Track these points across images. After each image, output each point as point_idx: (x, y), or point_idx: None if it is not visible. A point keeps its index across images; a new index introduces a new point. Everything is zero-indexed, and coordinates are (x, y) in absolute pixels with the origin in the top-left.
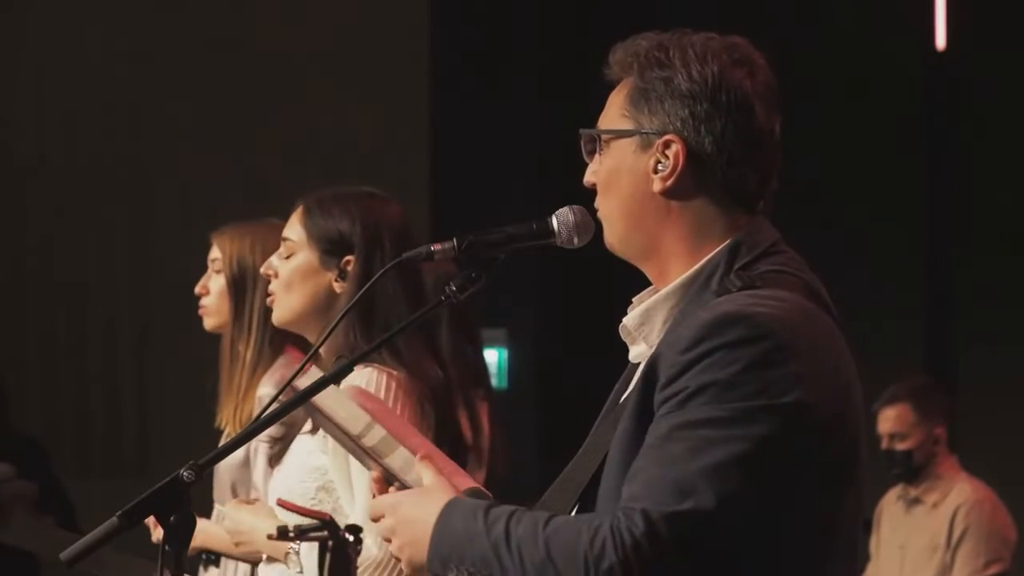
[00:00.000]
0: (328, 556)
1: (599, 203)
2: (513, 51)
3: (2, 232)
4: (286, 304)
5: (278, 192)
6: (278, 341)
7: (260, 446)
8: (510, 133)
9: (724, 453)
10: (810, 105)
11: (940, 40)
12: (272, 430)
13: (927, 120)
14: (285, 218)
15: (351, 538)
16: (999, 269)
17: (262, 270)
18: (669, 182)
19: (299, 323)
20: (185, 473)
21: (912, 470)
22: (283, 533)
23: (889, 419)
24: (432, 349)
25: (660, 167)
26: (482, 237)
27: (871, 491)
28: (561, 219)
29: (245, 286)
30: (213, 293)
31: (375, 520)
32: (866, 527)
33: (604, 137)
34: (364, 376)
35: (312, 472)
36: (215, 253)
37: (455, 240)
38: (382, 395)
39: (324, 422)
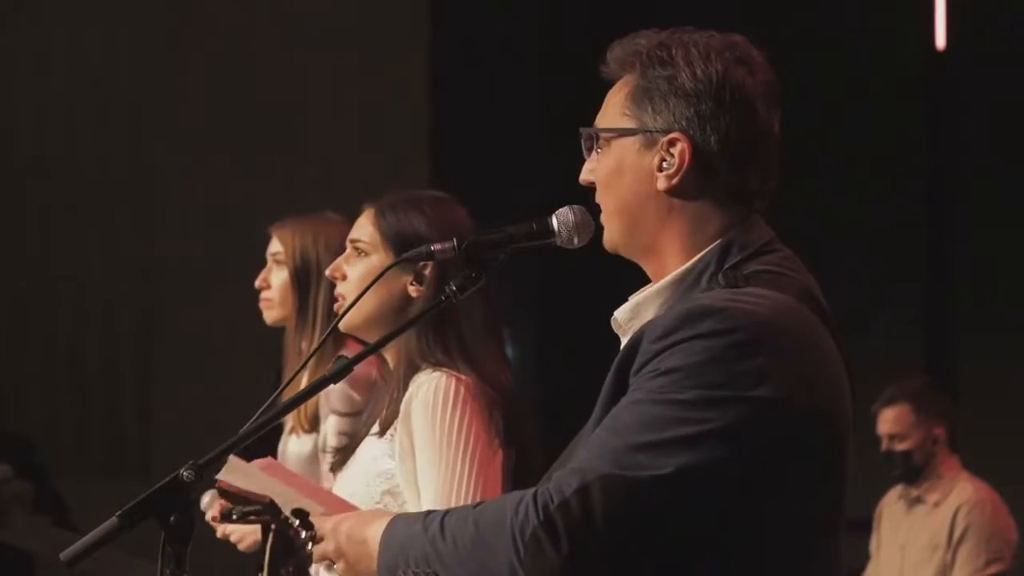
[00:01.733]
0: (270, 538)
1: (599, 200)
2: (514, 51)
3: (2, 232)
4: (359, 308)
5: (278, 191)
6: (340, 335)
7: (329, 432)
8: (510, 132)
9: (673, 433)
10: (810, 105)
11: (940, 40)
12: (332, 440)
13: (927, 120)
14: (289, 217)
15: (295, 521)
16: (999, 269)
17: (328, 272)
18: (674, 180)
19: (370, 327)
20: (185, 473)
21: (912, 470)
22: (226, 516)
23: (888, 420)
24: (503, 355)
25: (665, 165)
26: (482, 237)
27: (871, 491)
28: (561, 219)
29: (309, 280)
30: (275, 287)
31: None
32: (866, 526)
33: (605, 135)
34: (432, 380)
35: (378, 476)
36: (276, 246)
37: (455, 240)
38: (449, 400)
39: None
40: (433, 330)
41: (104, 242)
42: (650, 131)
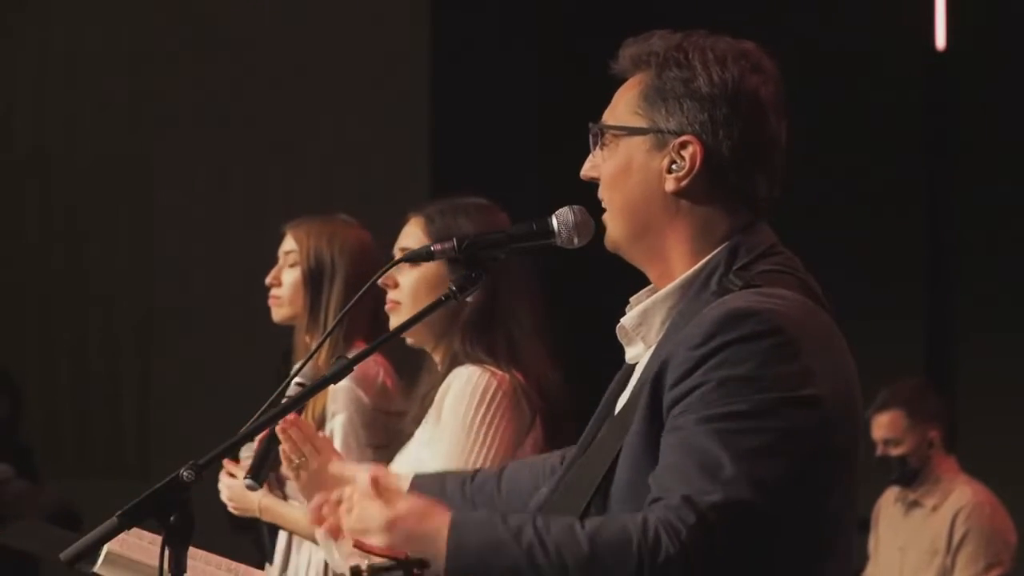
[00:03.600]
0: None
1: (602, 197)
2: (514, 51)
3: (2, 231)
4: (411, 310)
5: (279, 192)
6: (350, 335)
7: (336, 430)
8: (510, 132)
9: (751, 442)
10: (810, 105)
11: (940, 40)
12: (375, 438)
13: (927, 120)
14: (289, 216)
15: (420, 572)
16: (999, 269)
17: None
18: (684, 183)
19: (425, 333)
20: (185, 473)
21: (908, 474)
22: (356, 572)
23: (882, 425)
24: (550, 353)
25: (674, 167)
26: (482, 237)
27: (869, 491)
28: (561, 219)
29: (322, 280)
30: (286, 284)
31: (357, 533)
32: (864, 525)
33: (614, 132)
34: (468, 372)
35: (420, 465)
36: (290, 245)
37: (455, 240)
38: (478, 392)
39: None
40: (478, 330)
41: (104, 242)
42: (662, 132)
